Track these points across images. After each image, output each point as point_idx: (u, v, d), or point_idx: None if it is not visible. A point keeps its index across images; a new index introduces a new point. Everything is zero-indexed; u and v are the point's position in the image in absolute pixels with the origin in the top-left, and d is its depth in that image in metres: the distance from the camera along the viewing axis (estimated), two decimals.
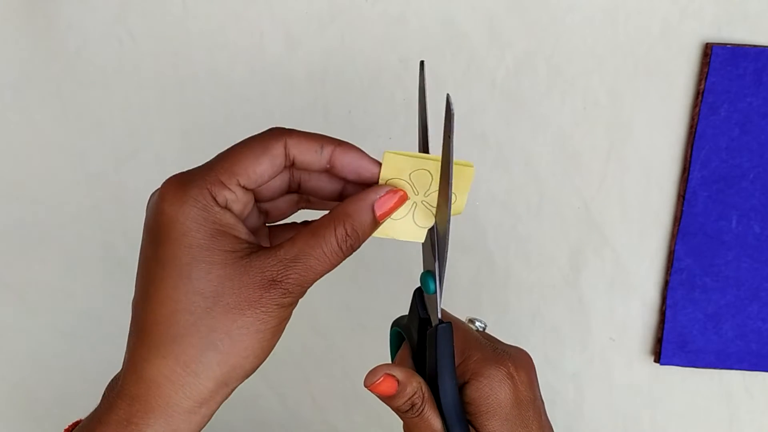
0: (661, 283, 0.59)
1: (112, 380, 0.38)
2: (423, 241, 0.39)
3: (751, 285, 0.58)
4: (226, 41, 0.59)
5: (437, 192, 0.37)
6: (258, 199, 0.39)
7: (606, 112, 0.57)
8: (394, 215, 0.37)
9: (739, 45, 0.54)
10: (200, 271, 0.34)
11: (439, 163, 0.36)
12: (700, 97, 0.55)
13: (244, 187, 0.36)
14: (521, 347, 0.43)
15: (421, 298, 0.40)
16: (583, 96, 0.57)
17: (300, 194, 0.40)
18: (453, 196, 0.36)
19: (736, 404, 0.61)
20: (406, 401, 0.38)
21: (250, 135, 0.38)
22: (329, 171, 0.37)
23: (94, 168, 0.62)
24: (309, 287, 0.36)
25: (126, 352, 0.36)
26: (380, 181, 0.37)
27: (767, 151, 0.56)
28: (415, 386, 0.38)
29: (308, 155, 0.37)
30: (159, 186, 0.36)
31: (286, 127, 0.38)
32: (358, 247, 0.36)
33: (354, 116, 0.59)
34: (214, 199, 0.35)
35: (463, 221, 0.60)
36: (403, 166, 0.37)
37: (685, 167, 0.57)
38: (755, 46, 0.54)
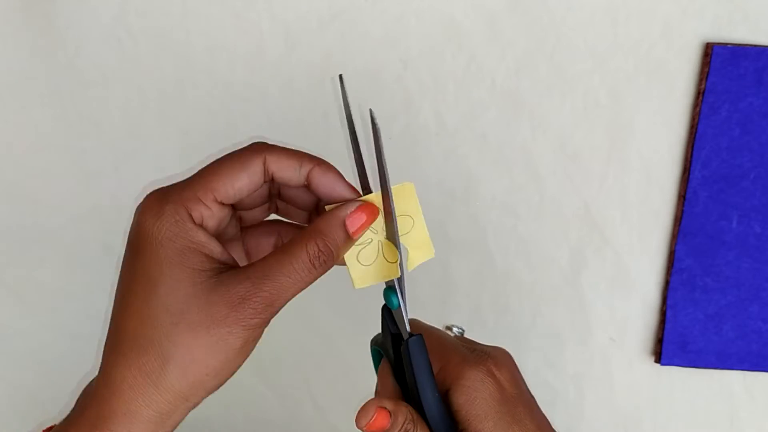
0: (662, 283, 0.59)
1: (88, 384, 0.39)
2: (399, 275, 0.39)
3: (751, 285, 0.58)
4: (226, 41, 0.59)
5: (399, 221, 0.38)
6: (236, 208, 0.39)
7: (606, 112, 0.57)
8: (366, 261, 0.38)
9: (739, 45, 0.54)
10: (168, 287, 0.35)
11: (380, 197, 0.37)
12: (700, 96, 0.55)
13: (221, 203, 0.36)
14: (500, 346, 0.42)
15: (390, 314, 0.40)
16: (583, 96, 0.57)
17: (271, 201, 0.41)
18: (410, 220, 0.37)
19: (736, 405, 0.61)
20: (400, 429, 0.38)
21: (248, 141, 0.38)
22: (306, 187, 0.38)
23: (94, 168, 0.62)
24: (280, 307, 0.36)
25: (102, 356, 0.37)
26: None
27: None
28: (405, 412, 0.38)
29: (287, 172, 0.37)
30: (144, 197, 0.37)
31: (268, 142, 0.38)
32: (332, 264, 0.36)
33: (354, 116, 0.59)
34: (190, 215, 0.35)
35: (463, 221, 0.60)
36: None
37: (686, 167, 0.57)
38: (756, 45, 0.54)
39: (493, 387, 0.39)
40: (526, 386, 0.41)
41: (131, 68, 0.60)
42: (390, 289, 0.39)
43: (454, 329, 0.44)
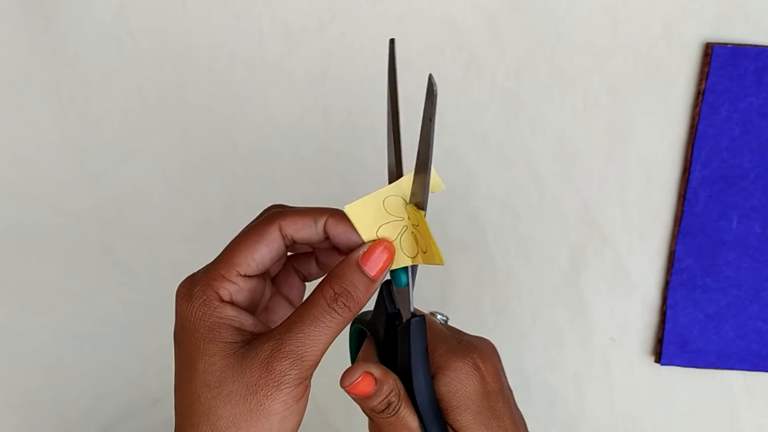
0: (662, 283, 0.59)
1: None
2: (408, 282, 0.38)
3: (751, 285, 0.58)
4: (226, 41, 0.59)
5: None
6: (272, 278, 0.40)
7: (606, 112, 0.57)
8: (410, 252, 0.37)
9: (739, 45, 0.54)
10: (204, 363, 0.35)
11: (397, 186, 0.37)
12: (700, 96, 0.55)
13: (245, 276, 0.37)
14: (485, 337, 0.42)
15: (389, 292, 0.40)
16: (583, 96, 0.57)
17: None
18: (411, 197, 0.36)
19: (736, 405, 0.61)
20: (383, 400, 0.38)
21: (250, 222, 0.39)
22: (329, 243, 0.38)
23: (94, 168, 0.62)
24: (314, 360, 0.35)
25: None
26: (364, 239, 0.37)
27: None
28: (391, 384, 0.38)
29: (304, 232, 0.37)
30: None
31: (283, 205, 0.39)
32: (355, 307, 0.36)
33: (354, 116, 0.59)
34: (218, 293, 0.36)
35: (464, 221, 0.60)
36: (369, 209, 0.37)
37: (686, 167, 0.57)
38: (756, 45, 0.54)
39: (477, 380, 0.39)
40: (506, 380, 0.42)
41: (131, 68, 0.60)
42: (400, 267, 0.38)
43: (438, 317, 0.44)
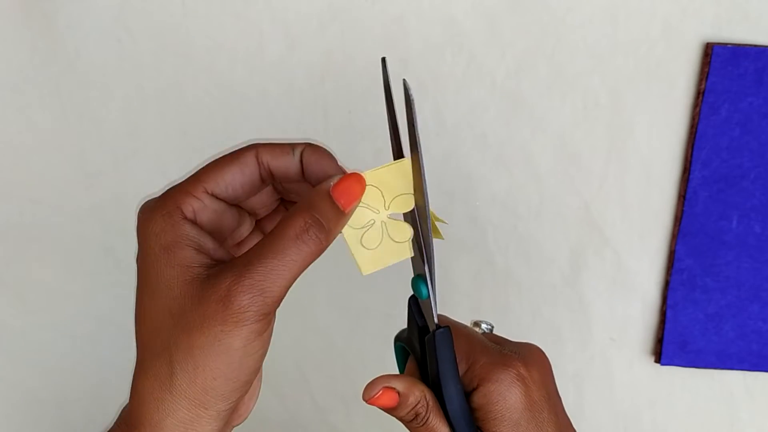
0: (662, 283, 0.59)
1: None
2: (412, 254, 0.37)
3: (751, 285, 0.58)
4: (226, 41, 0.59)
5: (398, 199, 0.36)
6: (249, 210, 0.38)
7: (606, 112, 0.57)
8: (370, 244, 0.36)
9: (739, 45, 0.54)
10: (164, 287, 0.33)
11: (379, 173, 0.36)
12: (700, 96, 0.55)
13: (213, 195, 0.35)
14: (532, 343, 0.41)
15: (417, 306, 0.39)
16: (583, 96, 0.57)
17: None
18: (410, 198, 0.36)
19: (736, 405, 0.61)
20: (410, 411, 0.37)
21: (249, 138, 0.38)
22: (305, 177, 0.36)
23: (94, 168, 0.62)
24: (276, 295, 0.33)
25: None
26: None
27: None
28: (417, 395, 0.37)
29: (281, 160, 0.36)
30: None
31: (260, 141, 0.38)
32: (325, 239, 0.34)
33: (354, 116, 0.59)
34: (179, 208, 0.34)
35: (464, 221, 0.60)
36: None
37: (686, 167, 0.57)
38: (756, 45, 0.54)
39: (520, 391, 0.38)
40: (555, 388, 0.40)
41: (131, 68, 0.60)
42: (419, 278, 0.38)
43: (483, 325, 0.43)
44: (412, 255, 0.37)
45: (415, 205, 0.36)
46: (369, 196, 0.36)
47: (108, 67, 0.60)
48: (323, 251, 0.34)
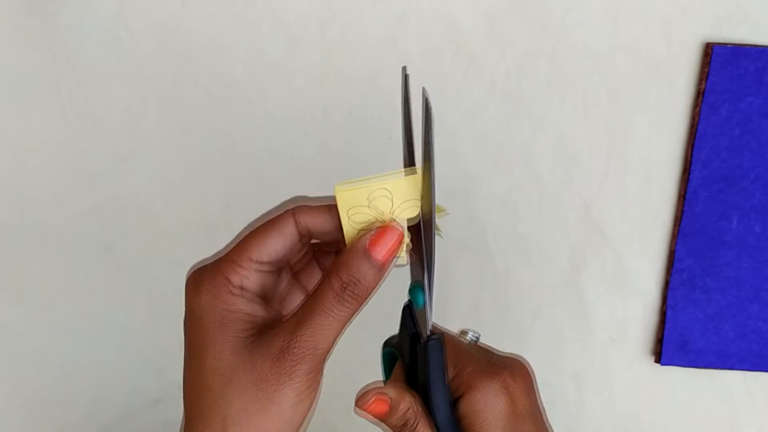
0: (662, 283, 0.59)
1: None
2: (407, 262, 0.38)
3: (751, 285, 0.58)
4: (226, 41, 0.59)
5: (405, 204, 0.37)
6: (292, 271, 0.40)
7: (606, 112, 0.57)
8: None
9: (739, 45, 0.54)
10: (213, 351, 0.35)
11: (398, 184, 0.36)
12: (700, 96, 0.55)
13: (257, 261, 0.37)
14: (518, 355, 0.42)
15: (411, 313, 0.40)
16: (583, 96, 0.57)
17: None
18: (418, 203, 0.36)
19: (736, 405, 0.61)
20: (399, 417, 0.38)
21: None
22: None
23: (94, 168, 0.62)
24: (325, 351, 0.35)
25: None
26: (342, 217, 0.37)
27: None
28: (407, 403, 0.38)
29: (319, 222, 0.37)
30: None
31: (304, 197, 0.39)
32: (363, 295, 0.36)
33: (354, 116, 0.59)
34: (227, 279, 0.36)
35: (464, 221, 0.60)
36: (358, 198, 0.36)
37: (686, 167, 0.57)
38: (756, 45, 0.54)
39: (505, 401, 0.38)
40: (538, 400, 0.41)
41: (131, 68, 0.60)
42: (417, 285, 0.38)
43: (470, 334, 0.43)
44: (406, 264, 0.38)
45: (421, 211, 0.37)
46: (379, 201, 0.37)
47: (108, 67, 0.60)
48: (364, 305, 0.36)
